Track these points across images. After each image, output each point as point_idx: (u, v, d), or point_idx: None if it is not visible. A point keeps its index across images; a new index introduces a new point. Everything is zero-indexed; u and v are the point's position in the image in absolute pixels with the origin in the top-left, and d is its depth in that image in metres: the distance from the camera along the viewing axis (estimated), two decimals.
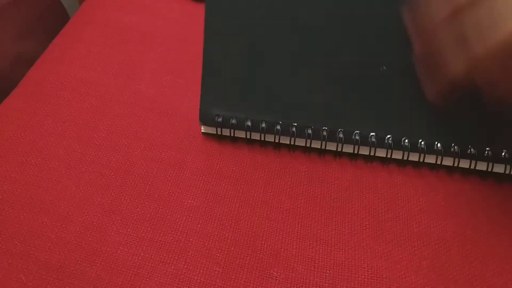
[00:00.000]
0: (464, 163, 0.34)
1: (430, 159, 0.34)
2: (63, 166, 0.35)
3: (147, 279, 0.29)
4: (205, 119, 0.36)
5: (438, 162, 0.34)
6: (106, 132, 0.37)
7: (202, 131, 0.37)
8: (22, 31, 0.47)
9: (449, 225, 0.32)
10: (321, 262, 0.30)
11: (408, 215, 0.33)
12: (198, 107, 0.36)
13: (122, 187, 0.34)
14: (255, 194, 0.34)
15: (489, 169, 0.34)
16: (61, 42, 0.45)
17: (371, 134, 0.34)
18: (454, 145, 0.33)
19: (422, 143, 0.34)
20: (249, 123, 0.35)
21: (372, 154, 0.35)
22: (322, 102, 0.34)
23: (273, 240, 0.31)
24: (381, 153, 0.35)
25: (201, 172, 0.35)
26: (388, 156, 0.34)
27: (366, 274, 0.30)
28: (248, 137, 0.36)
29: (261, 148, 0.36)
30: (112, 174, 0.35)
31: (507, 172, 0.34)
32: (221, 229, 0.32)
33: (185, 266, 0.30)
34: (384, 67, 0.32)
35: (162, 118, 0.38)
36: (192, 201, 0.33)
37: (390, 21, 0.31)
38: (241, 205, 0.33)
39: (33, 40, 0.48)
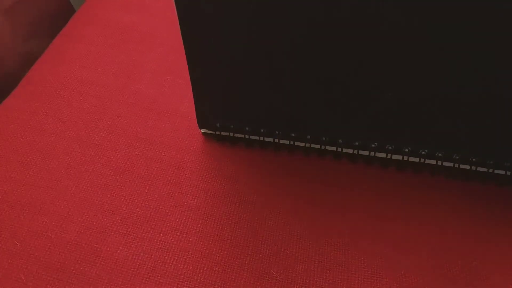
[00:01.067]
0: (465, 167, 0.34)
1: (430, 162, 0.34)
2: (63, 166, 0.35)
3: (147, 279, 0.29)
4: (203, 125, 0.36)
5: (439, 163, 0.34)
6: (106, 132, 0.37)
7: (202, 131, 0.37)
8: (32, 30, 0.47)
9: (449, 225, 0.32)
10: (321, 262, 0.30)
11: (408, 215, 0.33)
12: None
13: (122, 187, 0.34)
14: (255, 194, 0.34)
15: (490, 171, 0.33)
16: (61, 42, 0.45)
17: (372, 142, 0.34)
18: (455, 156, 0.33)
19: (423, 152, 0.33)
20: (247, 128, 0.35)
21: (372, 155, 0.35)
22: (321, 118, 0.33)
23: (273, 240, 0.31)
24: (381, 155, 0.35)
25: (201, 172, 0.35)
26: (388, 157, 0.34)
27: (366, 274, 0.30)
28: (247, 137, 0.36)
29: (261, 149, 0.36)
30: (112, 174, 0.35)
31: (508, 173, 0.34)
32: (221, 229, 0.32)
33: (185, 266, 0.30)
34: (390, 93, 0.30)
35: (162, 118, 0.38)
36: (192, 201, 0.33)
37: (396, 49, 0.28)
38: (241, 205, 0.33)
39: (43, 40, 0.48)
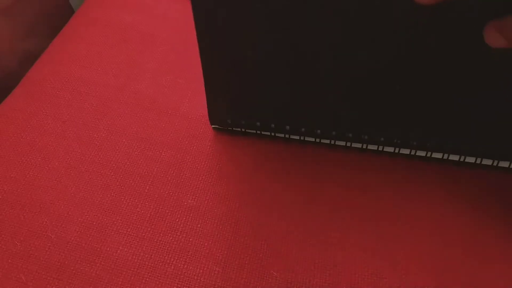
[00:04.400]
0: (470, 159, 0.34)
1: (437, 155, 0.34)
2: (63, 166, 0.35)
3: (147, 279, 0.29)
4: (214, 121, 0.36)
5: (445, 158, 0.34)
6: (106, 132, 0.37)
7: (213, 126, 0.37)
8: (30, 29, 0.47)
9: (450, 226, 0.32)
10: (321, 262, 0.30)
11: (409, 216, 0.33)
12: (198, 106, 0.36)
13: (122, 187, 0.34)
14: (255, 194, 0.34)
15: (495, 163, 0.34)
16: (61, 42, 0.45)
17: (380, 137, 0.34)
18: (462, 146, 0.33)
19: (428, 144, 0.34)
20: (258, 124, 0.35)
21: (380, 149, 0.35)
22: (331, 113, 0.33)
23: (273, 240, 0.31)
24: (388, 149, 0.35)
25: (201, 172, 0.35)
26: (396, 151, 0.35)
27: (366, 274, 0.30)
28: (259, 132, 0.36)
29: (261, 148, 0.36)
30: (112, 174, 0.35)
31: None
32: (221, 229, 0.32)
33: (185, 266, 0.30)
34: (398, 86, 0.30)
35: (162, 118, 0.38)
36: (192, 201, 0.33)
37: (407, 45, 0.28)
38: (241, 205, 0.33)
39: (41, 38, 0.48)
